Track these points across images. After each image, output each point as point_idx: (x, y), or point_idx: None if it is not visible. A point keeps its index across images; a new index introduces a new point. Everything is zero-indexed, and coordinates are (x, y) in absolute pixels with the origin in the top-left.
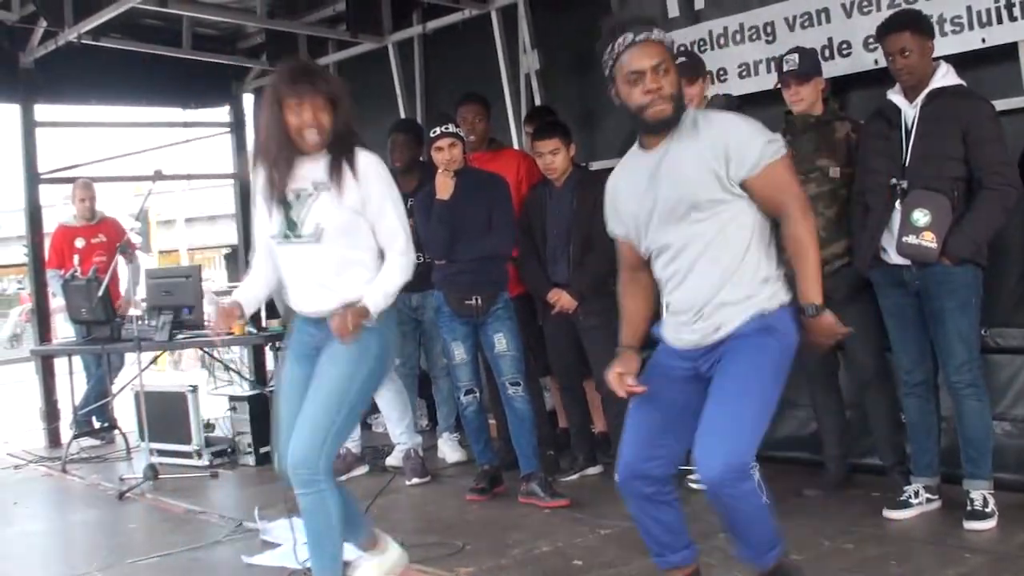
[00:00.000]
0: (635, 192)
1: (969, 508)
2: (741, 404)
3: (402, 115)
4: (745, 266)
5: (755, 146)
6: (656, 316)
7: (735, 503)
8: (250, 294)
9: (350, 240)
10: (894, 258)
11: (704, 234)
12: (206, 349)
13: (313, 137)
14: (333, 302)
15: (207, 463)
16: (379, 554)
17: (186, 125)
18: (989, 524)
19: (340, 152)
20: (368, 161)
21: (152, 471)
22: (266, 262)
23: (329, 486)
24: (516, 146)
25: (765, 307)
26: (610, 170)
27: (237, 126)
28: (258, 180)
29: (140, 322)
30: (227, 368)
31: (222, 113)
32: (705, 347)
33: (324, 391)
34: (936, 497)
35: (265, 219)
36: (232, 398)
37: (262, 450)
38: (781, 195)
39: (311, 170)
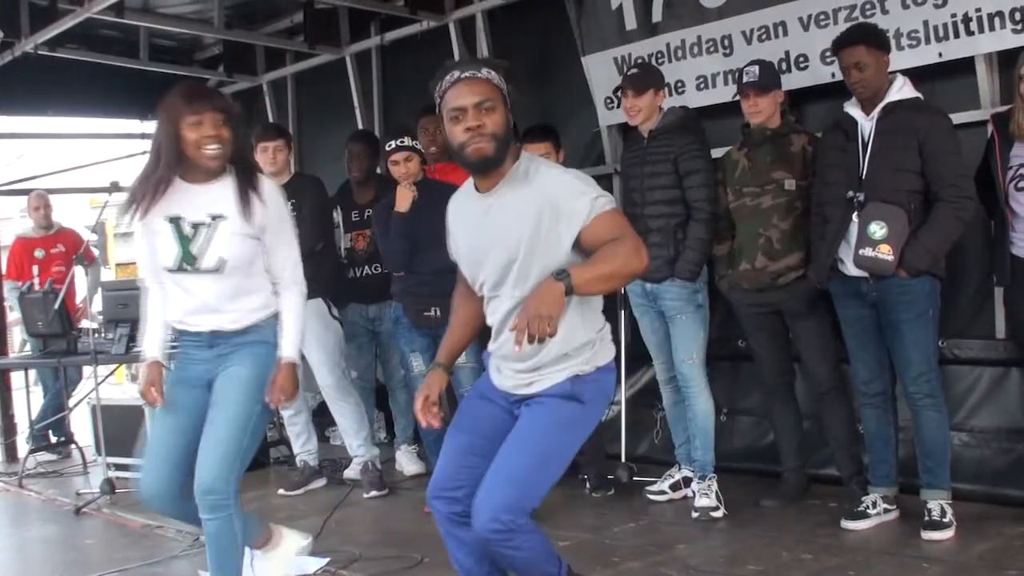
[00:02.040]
0: (469, 232)
1: (927, 518)
2: (523, 463)
3: (360, 126)
4: (565, 330)
5: (582, 199)
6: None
7: (505, 552)
8: (161, 344)
9: (250, 269)
10: (851, 270)
11: (530, 289)
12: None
13: (215, 151)
14: (224, 323)
15: None
16: (273, 548)
17: (143, 136)
18: (947, 534)
19: (245, 178)
20: (271, 187)
21: (109, 486)
22: (163, 298)
23: (237, 510)
24: None
25: (580, 370)
26: None
27: None
28: (134, 214)
29: (96, 335)
30: None
31: None
32: (517, 395)
33: (230, 416)
34: (894, 507)
35: (152, 252)
36: None
37: None
38: (617, 234)
39: (207, 200)
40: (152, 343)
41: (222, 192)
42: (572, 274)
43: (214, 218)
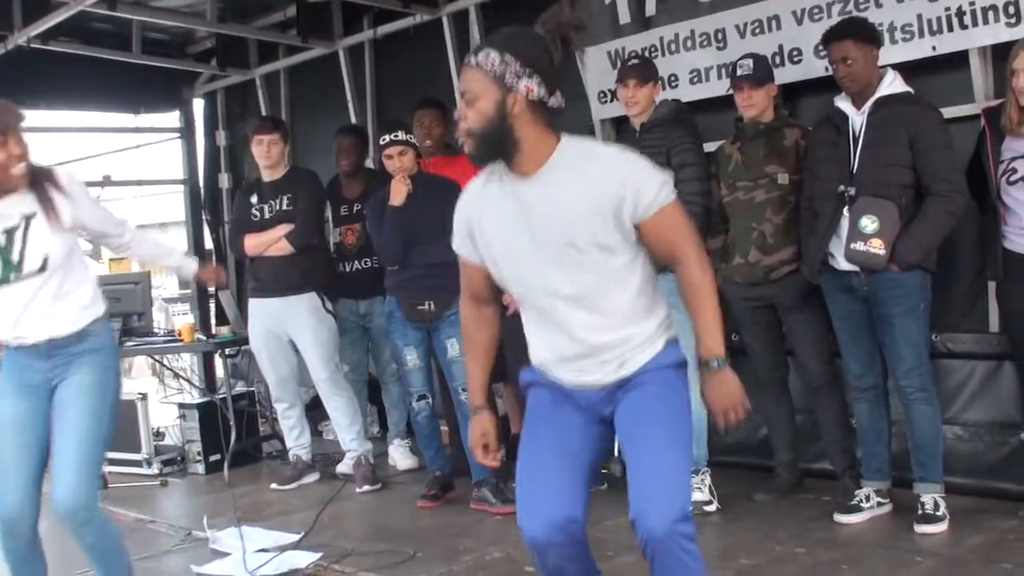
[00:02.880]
0: (505, 229)
1: (920, 512)
2: (675, 454)
3: (353, 120)
4: (636, 296)
5: (651, 188)
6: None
7: (678, 561)
8: None
9: (70, 263)
10: (842, 264)
11: (594, 275)
12: (156, 357)
13: (21, 169)
14: (59, 328)
15: (157, 471)
16: None
17: (137, 131)
18: (940, 528)
19: (39, 175)
20: (68, 175)
21: (102, 480)
22: None
23: (102, 515)
24: None
25: (662, 340)
26: None
27: (187, 131)
28: None
29: None
30: (176, 376)
31: (172, 118)
32: (607, 386)
33: (82, 428)
34: (887, 501)
35: None
36: (181, 406)
37: (212, 458)
38: (674, 240)
39: (12, 204)
40: None
41: (22, 196)
42: (718, 352)
43: (25, 217)
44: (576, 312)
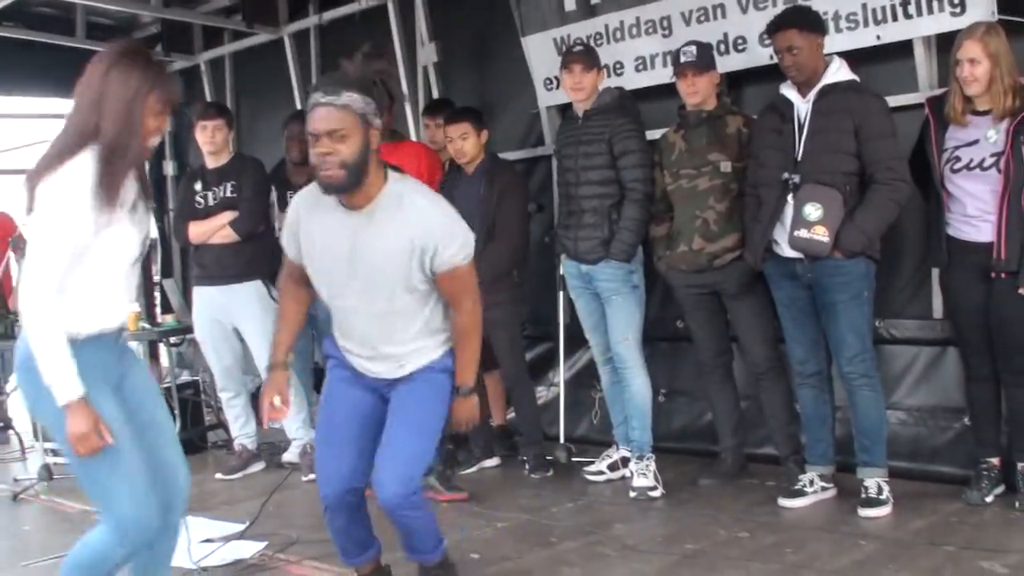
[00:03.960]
0: (333, 243)
1: (864, 496)
2: (417, 439)
3: (298, 107)
4: (426, 322)
5: (453, 249)
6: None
7: (408, 520)
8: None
9: None
10: (786, 251)
11: (392, 304)
12: None
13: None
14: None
15: None
16: None
17: None
18: (884, 511)
19: None
20: None
21: (47, 472)
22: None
23: None
24: (414, 138)
25: (440, 351)
26: (512, 162)
27: None
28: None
29: None
30: None
31: None
32: (388, 379)
33: (169, 433)
34: (831, 486)
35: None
36: None
37: None
38: (458, 295)
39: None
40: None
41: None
42: (465, 381)
43: (135, 199)
44: (372, 325)
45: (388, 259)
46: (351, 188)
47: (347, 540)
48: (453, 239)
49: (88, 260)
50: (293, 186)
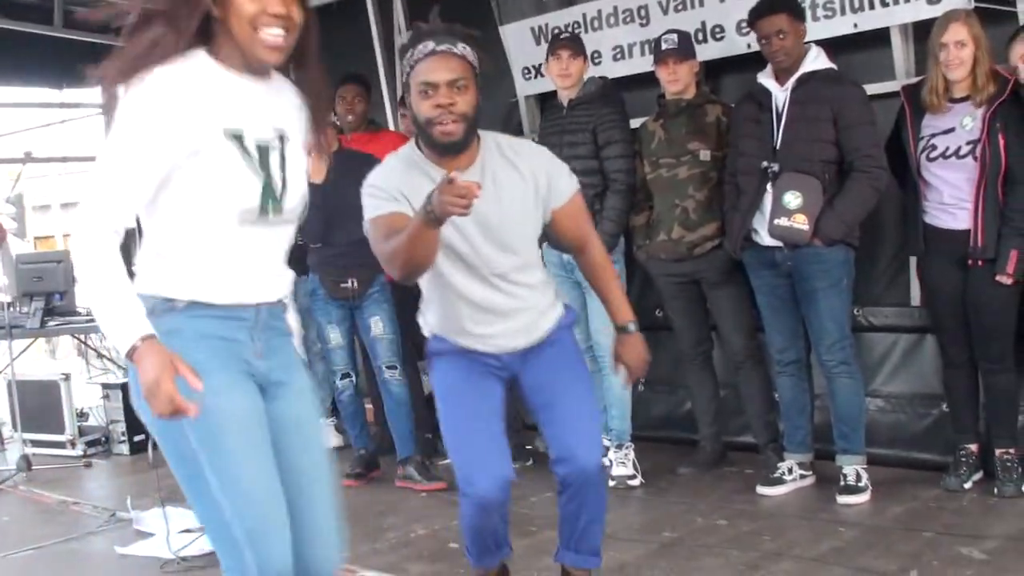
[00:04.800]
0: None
1: (843, 483)
2: (587, 400)
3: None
4: (543, 274)
5: (565, 178)
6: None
7: (600, 494)
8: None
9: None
10: (765, 239)
11: (522, 257)
12: (79, 336)
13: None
14: (276, 290)
15: (81, 453)
16: None
17: (63, 106)
18: (862, 498)
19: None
20: None
21: (25, 462)
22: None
23: None
24: (392, 128)
25: (558, 307)
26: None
27: (109, 107)
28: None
29: (11, 309)
30: (100, 356)
31: (95, 94)
32: (517, 351)
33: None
34: (809, 473)
35: (202, 186)
36: (105, 386)
37: (136, 438)
38: (584, 225)
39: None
40: (138, 313)
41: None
42: (632, 317)
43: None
44: (496, 294)
45: (520, 212)
46: (467, 145)
47: (493, 539)
48: (561, 167)
49: (169, 197)
50: None
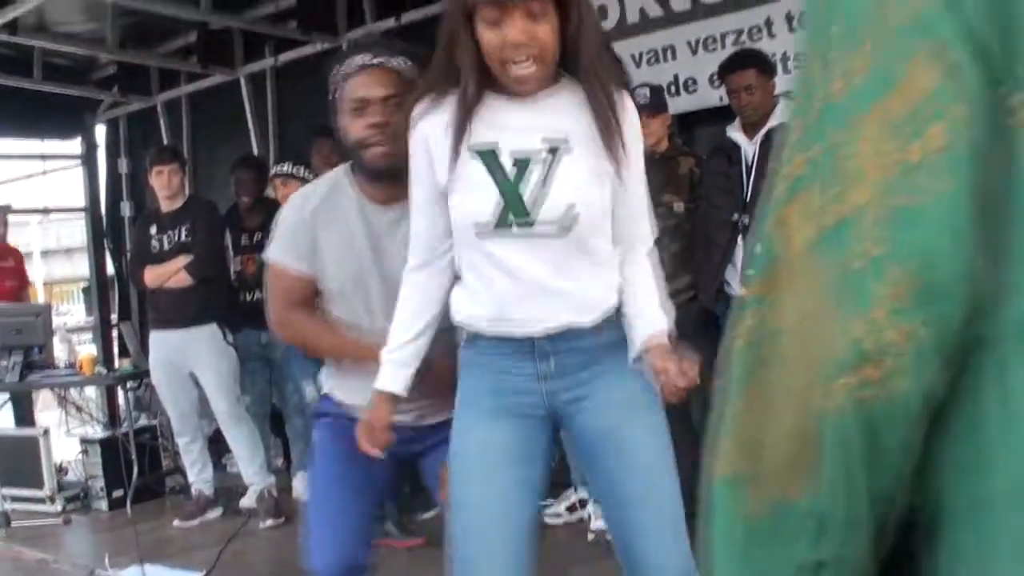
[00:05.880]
0: (363, 248)
1: None
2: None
3: (255, 148)
4: None
5: None
6: None
7: None
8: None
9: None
10: (739, 291)
11: None
12: (57, 390)
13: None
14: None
15: (60, 509)
16: None
17: (43, 157)
18: None
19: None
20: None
21: (4, 518)
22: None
23: None
24: None
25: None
26: None
27: (89, 158)
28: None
29: None
30: (79, 410)
31: (74, 145)
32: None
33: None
34: None
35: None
36: (83, 440)
37: (115, 494)
38: None
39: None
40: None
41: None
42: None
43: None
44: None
45: None
46: (402, 170)
47: None
48: None
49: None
50: (247, 229)
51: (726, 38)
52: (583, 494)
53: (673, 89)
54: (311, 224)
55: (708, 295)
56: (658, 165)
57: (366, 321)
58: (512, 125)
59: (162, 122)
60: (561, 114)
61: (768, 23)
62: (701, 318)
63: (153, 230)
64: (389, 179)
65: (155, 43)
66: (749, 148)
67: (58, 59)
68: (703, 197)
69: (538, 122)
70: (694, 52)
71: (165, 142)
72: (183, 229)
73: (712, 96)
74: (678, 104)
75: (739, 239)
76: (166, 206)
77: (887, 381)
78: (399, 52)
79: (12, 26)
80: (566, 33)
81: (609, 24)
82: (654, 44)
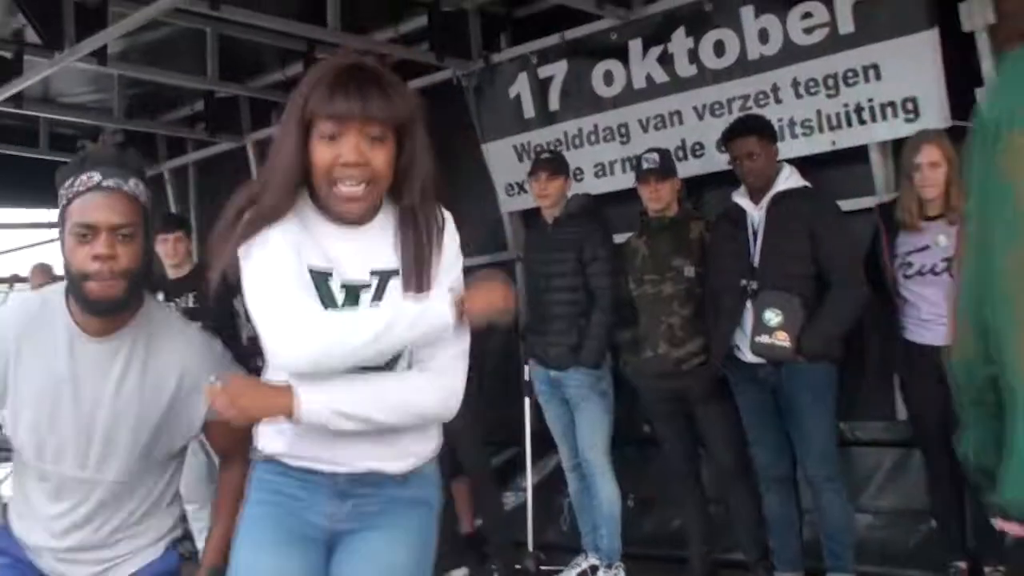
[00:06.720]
0: (63, 385)
1: None
2: None
3: None
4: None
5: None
6: None
7: None
8: None
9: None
10: (748, 356)
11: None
12: None
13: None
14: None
15: None
16: None
17: (51, 226)
18: None
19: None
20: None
21: None
22: None
23: None
24: None
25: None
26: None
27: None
28: None
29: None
30: None
31: None
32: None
33: None
34: None
35: None
36: None
37: None
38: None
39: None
40: None
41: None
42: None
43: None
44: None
45: (160, 401)
46: (125, 308)
47: None
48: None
49: None
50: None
51: (732, 103)
52: (594, 560)
53: (681, 153)
54: (12, 350)
55: (718, 360)
56: (668, 230)
57: (50, 468)
58: (341, 256)
59: (169, 189)
60: (385, 245)
61: (775, 89)
62: (712, 381)
63: (160, 297)
64: (108, 315)
65: (161, 111)
66: (755, 213)
67: (64, 129)
68: (711, 262)
69: (367, 254)
70: (701, 117)
71: (172, 209)
72: (190, 296)
73: (720, 160)
74: (686, 168)
75: (747, 304)
76: (172, 273)
77: None
78: (135, 172)
79: (18, 98)
80: (399, 162)
81: (615, 90)
82: (661, 109)
